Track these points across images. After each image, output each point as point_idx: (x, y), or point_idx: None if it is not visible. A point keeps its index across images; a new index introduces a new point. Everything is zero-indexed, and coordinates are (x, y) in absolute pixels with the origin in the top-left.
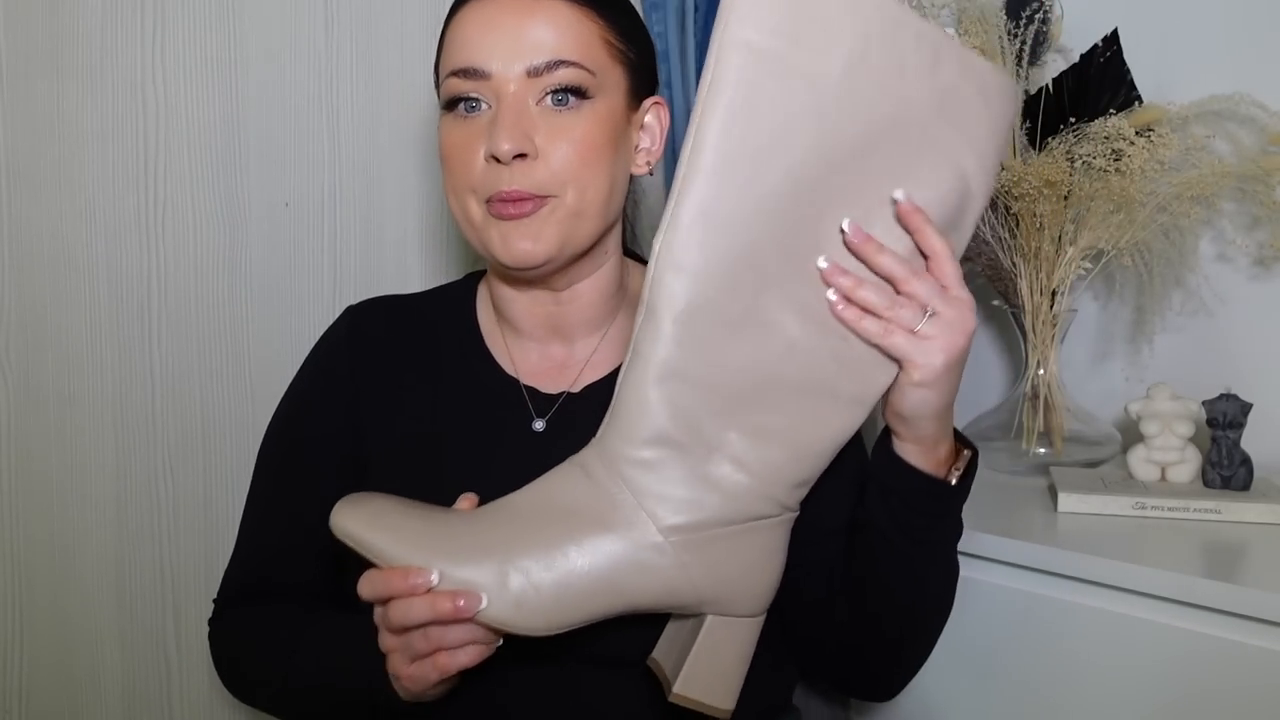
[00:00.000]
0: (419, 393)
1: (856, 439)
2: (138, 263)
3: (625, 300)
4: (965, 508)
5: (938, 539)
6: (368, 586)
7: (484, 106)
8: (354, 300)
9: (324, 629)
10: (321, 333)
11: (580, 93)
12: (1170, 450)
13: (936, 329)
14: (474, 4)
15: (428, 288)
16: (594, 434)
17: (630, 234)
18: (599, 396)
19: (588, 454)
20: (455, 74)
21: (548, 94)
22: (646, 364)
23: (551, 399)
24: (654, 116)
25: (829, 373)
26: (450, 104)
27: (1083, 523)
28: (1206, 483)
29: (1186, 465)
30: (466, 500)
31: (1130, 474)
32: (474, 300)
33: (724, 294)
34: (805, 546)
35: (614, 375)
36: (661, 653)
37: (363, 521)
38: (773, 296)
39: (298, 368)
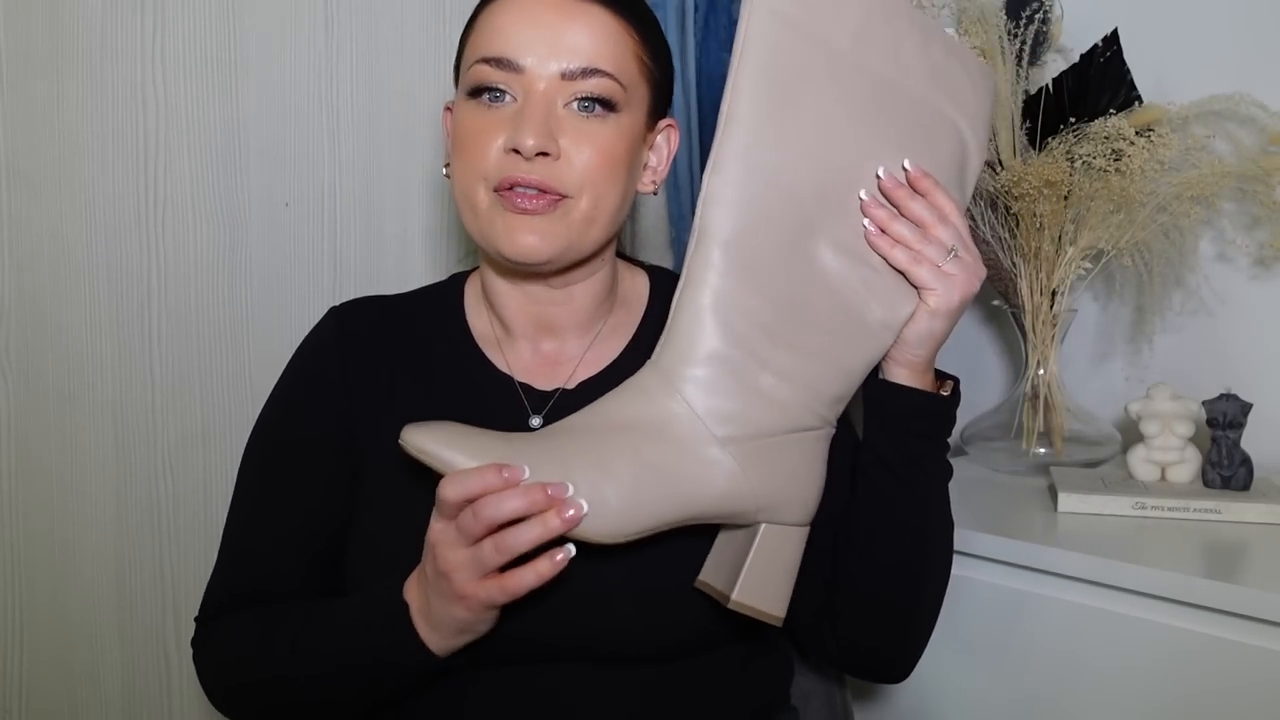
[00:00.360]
0: (411, 392)
1: (849, 436)
2: (138, 262)
3: (617, 301)
4: (965, 508)
5: (931, 468)
6: (454, 487)
7: (509, 99)
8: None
9: (328, 609)
10: None
11: (609, 104)
12: (1170, 450)
13: (957, 268)
14: None
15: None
16: None
17: (623, 243)
18: (594, 392)
19: (644, 375)
20: (485, 61)
21: (576, 99)
22: (699, 288)
23: (546, 395)
24: (664, 138)
25: (860, 299)
26: (475, 91)
27: (1083, 523)
28: (1206, 483)
29: (1186, 465)
30: None
31: (1130, 474)
32: (461, 299)
33: (764, 225)
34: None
35: (608, 372)
36: (709, 574)
37: (433, 436)
38: (810, 229)
39: None
